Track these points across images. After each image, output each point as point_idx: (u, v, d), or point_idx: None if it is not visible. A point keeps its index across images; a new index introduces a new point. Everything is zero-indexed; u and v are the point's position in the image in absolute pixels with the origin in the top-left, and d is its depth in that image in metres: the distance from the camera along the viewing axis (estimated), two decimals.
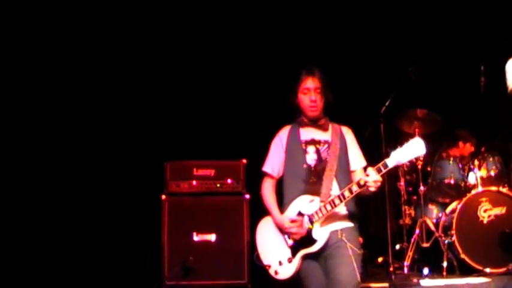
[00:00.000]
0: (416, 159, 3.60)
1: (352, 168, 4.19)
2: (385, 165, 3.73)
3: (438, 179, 6.38)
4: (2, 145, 6.17)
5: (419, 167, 6.32)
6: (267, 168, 4.31)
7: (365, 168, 4.01)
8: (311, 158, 4.10)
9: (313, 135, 4.18)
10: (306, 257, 3.96)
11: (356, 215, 4.09)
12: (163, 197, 5.78)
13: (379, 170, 3.75)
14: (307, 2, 6.85)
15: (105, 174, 6.38)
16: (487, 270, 5.49)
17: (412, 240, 6.09)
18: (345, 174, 4.11)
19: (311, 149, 4.13)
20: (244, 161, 5.94)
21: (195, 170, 5.88)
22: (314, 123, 4.19)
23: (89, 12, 6.46)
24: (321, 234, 3.89)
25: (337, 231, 3.94)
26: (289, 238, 4.00)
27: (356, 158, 4.22)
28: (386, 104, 6.01)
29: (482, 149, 6.35)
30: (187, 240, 5.72)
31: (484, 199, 5.81)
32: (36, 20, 6.28)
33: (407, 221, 6.46)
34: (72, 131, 6.40)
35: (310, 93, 4.09)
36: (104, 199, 6.33)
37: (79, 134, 6.41)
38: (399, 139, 6.39)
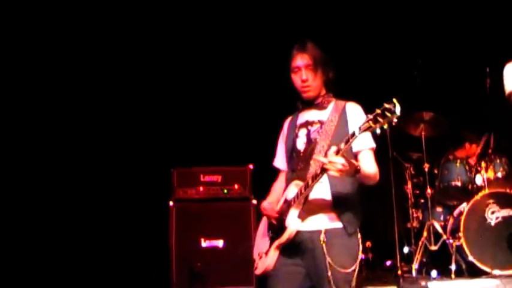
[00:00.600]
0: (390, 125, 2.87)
1: (354, 149, 3.43)
2: (347, 140, 3.06)
3: (445, 182, 6.37)
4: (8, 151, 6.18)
5: (426, 169, 6.31)
6: (277, 163, 3.87)
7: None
8: (301, 141, 3.58)
9: (308, 116, 3.65)
10: (283, 253, 3.41)
11: (348, 211, 3.38)
12: (171, 203, 5.80)
13: (337, 151, 3.08)
14: (314, 7, 6.85)
15: (113, 182, 6.41)
16: (496, 272, 5.46)
17: (420, 243, 6.07)
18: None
19: (302, 132, 3.61)
20: (251, 166, 5.97)
21: (201, 176, 5.90)
22: (312, 103, 3.64)
23: (100, 19, 6.50)
24: (292, 222, 3.31)
25: (319, 231, 3.31)
26: (270, 228, 3.57)
27: (361, 138, 3.28)
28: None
29: (489, 150, 6.34)
30: (195, 246, 5.73)
31: (491, 201, 5.79)
32: (44, 22, 6.30)
33: (415, 224, 6.45)
34: (80, 138, 6.43)
35: (300, 71, 3.57)
36: (112, 206, 6.36)
37: (87, 141, 6.44)
38: (406, 142, 6.46)
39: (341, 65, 6.67)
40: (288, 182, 3.58)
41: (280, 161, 3.82)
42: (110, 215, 6.36)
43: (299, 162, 3.52)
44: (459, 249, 5.74)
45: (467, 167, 6.35)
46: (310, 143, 3.51)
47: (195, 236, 5.76)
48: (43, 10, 6.08)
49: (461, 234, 5.71)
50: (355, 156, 3.42)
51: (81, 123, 6.45)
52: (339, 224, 3.34)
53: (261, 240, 3.66)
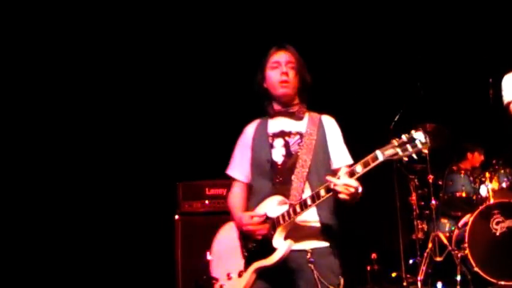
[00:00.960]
0: (419, 155, 2.79)
1: (334, 166, 3.36)
2: (366, 163, 2.92)
3: (450, 193, 6.40)
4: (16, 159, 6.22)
5: (431, 181, 6.32)
6: (233, 171, 3.57)
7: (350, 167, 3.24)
8: (278, 153, 3.34)
9: (282, 126, 3.43)
10: (261, 275, 3.19)
11: (333, 230, 3.29)
12: (176, 217, 5.81)
13: (352, 174, 2.95)
14: (314, 17, 6.88)
15: (120, 195, 6.41)
16: (501, 282, 5.48)
17: (425, 254, 6.07)
18: (322, 172, 3.26)
19: (278, 143, 3.37)
20: None
21: (207, 189, 5.90)
22: (285, 110, 3.45)
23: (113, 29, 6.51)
24: (282, 244, 3.10)
25: (305, 251, 3.14)
26: (246, 246, 3.26)
27: (338, 153, 3.40)
28: (396, 119, 6.05)
29: (493, 161, 6.35)
30: (200, 260, 5.73)
31: (496, 211, 5.81)
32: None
33: (420, 235, 6.45)
34: (87, 151, 6.44)
35: (280, 66, 3.40)
36: (118, 220, 6.36)
37: (94, 155, 6.45)
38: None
39: (344, 76, 6.81)
40: (258, 191, 3.36)
41: (238, 170, 3.54)
42: (116, 228, 6.37)
43: (277, 175, 3.30)
44: (464, 260, 5.75)
45: (471, 178, 6.38)
46: (290, 155, 3.32)
47: (200, 249, 5.72)
48: (43, 10, 6.08)
49: (466, 245, 5.73)
50: (335, 172, 3.22)
51: (88, 136, 6.46)
52: (325, 244, 3.23)
53: (227, 258, 3.38)
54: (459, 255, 5.80)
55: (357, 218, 6.80)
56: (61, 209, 6.27)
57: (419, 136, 2.86)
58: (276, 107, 3.48)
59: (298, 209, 3.08)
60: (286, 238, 3.13)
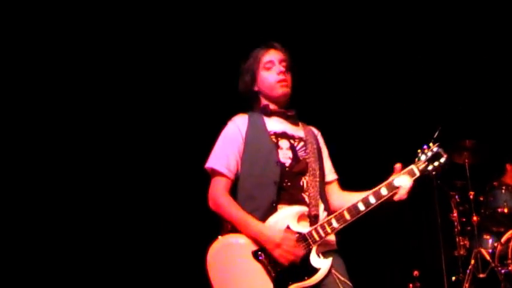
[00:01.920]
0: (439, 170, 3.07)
1: (326, 179, 3.30)
2: (424, 170, 3.06)
3: (491, 208, 6.36)
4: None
5: (471, 197, 6.31)
6: (218, 165, 3.11)
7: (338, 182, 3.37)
8: (285, 155, 3.10)
9: (284, 127, 3.23)
10: None
11: (340, 243, 3.17)
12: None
13: (412, 173, 3.04)
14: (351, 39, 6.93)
15: (164, 220, 6.48)
16: None
17: (468, 271, 6.05)
18: (324, 185, 3.22)
19: (284, 144, 3.14)
20: None
21: None
22: (283, 111, 3.28)
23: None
24: (322, 263, 2.90)
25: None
26: (272, 266, 2.86)
27: (330, 168, 3.38)
28: (435, 136, 6.07)
29: None
30: None
31: None
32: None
33: (462, 252, 6.41)
34: (128, 177, 6.51)
35: (275, 66, 3.26)
36: (163, 243, 6.44)
37: (135, 181, 6.51)
38: (450, 170, 6.47)
39: (384, 98, 6.83)
40: (258, 194, 3.02)
41: (230, 164, 3.12)
42: (161, 251, 6.44)
43: (285, 178, 3.03)
44: (508, 276, 5.71)
45: None
46: (297, 160, 3.11)
47: None
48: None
49: (510, 261, 5.69)
50: (328, 184, 3.30)
51: (124, 158, 6.51)
52: (338, 256, 3.09)
53: (244, 281, 2.86)
54: (502, 271, 5.77)
55: (398, 235, 6.87)
56: (98, 229, 6.33)
57: (440, 151, 3.12)
58: (272, 106, 3.29)
59: (336, 224, 2.93)
60: (317, 253, 2.93)
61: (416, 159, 3.10)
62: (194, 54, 6.46)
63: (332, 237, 3.08)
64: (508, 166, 6.86)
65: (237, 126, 3.21)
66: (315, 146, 3.22)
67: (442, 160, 3.09)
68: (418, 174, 3.05)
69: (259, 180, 3.05)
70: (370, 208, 2.98)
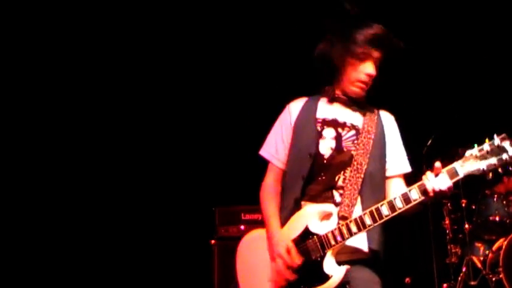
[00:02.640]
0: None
1: (389, 173, 2.90)
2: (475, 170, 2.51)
3: (483, 217, 6.38)
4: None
5: (464, 205, 6.33)
6: (265, 151, 3.00)
7: (405, 177, 2.93)
8: (327, 145, 2.80)
9: (336, 113, 2.90)
10: None
11: (380, 260, 2.86)
12: (213, 241, 5.90)
13: (452, 174, 2.53)
14: None
15: (157, 220, 6.50)
16: None
17: (459, 278, 6.06)
18: (375, 182, 2.81)
19: (329, 133, 2.82)
20: None
21: (242, 214, 5.98)
22: (347, 99, 2.93)
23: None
24: (337, 270, 2.61)
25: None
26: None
27: (397, 159, 2.91)
28: (428, 144, 6.09)
29: None
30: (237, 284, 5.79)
31: None
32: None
33: (454, 259, 6.42)
34: (125, 177, 6.51)
35: (369, 62, 2.84)
36: (155, 244, 6.45)
37: (130, 180, 6.52)
38: None
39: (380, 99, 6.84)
40: (289, 190, 2.84)
41: (276, 153, 2.97)
42: (153, 253, 6.46)
43: (320, 171, 2.79)
44: (499, 284, 5.73)
45: (504, 202, 6.36)
46: (340, 151, 2.80)
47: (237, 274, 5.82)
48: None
49: (500, 269, 5.71)
50: (389, 179, 2.90)
51: (126, 161, 6.54)
52: (372, 275, 2.82)
53: (258, 280, 2.81)
54: (493, 279, 5.78)
55: (390, 242, 6.88)
56: (100, 232, 6.34)
57: (506, 145, 2.49)
58: (338, 92, 2.94)
59: (354, 228, 2.61)
60: (337, 257, 2.67)
61: (465, 155, 2.56)
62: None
63: (363, 245, 2.76)
64: (505, 178, 6.87)
65: (290, 113, 2.98)
66: (371, 137, 2.81)
67: (505, 156, 2.48)
68: (461, 175, 2.55)
69: (292, 173, 2.85)
70: (396, 213, 2.60)
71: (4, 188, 5.92)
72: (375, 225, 2.61)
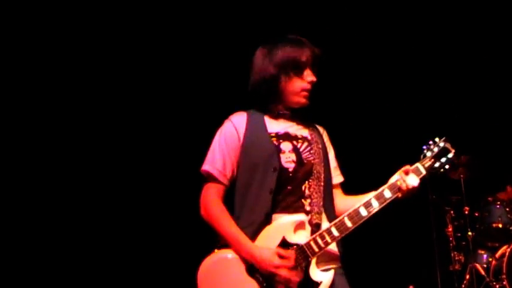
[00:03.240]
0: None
1: (337, 181, 3.06)
2: (431, 168, 2.84)
3: (486, 224, 6.39)
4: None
5: (467, 212, 6.34)
6: (212, 168, 2.85)
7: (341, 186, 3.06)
8: (288, 158, 2.80)
9: (286, 127, 2.93)
10: None
11: (343, 257, 2.91)
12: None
13: (417, 172, 2.80)
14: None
15: (166, 226, 6.50)
16: None
17: (463, 286, 6.08)
18: (330, 189, 2.94)
19: (286, 146, 2.83)
20: None
21: None
22: (288, 113, 2.96)
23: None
24: (324, 276, 2.66)
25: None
26: (269, 283, 2.63)
27: (337, 169, 3.08)
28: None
29: None
30: None
31: None
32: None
33: (457, 267, 6.43)
34: (128, 182, 6.51)
35: (306, 71, 2.91)
36: (161, 250, 6.45)
37: (136, 186, 6.52)
38: (445, 185, 6.51)
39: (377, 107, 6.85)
40: (253, 204, 2.76)
41: (226, 168, 2.86)
42: (159, 258, 6.46)
43: (286, 184, 2.77)
44: None
45: (507, 209, 6.37)
46: (302, 163, 2.82)
47: None
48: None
49: (504, 276, 5.71)
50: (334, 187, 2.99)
51: (129, 164, 6.50)
52: (340, 270, 2.85)
53: None
54: (497, 286, 5.79)
55: (393, 249, 6.88)
56: (104, 233, 6.32)
57: (448, 146, 2.88)
58: (282, 109, 2.95)
59: (336, 233, 2.67)
60: (318, 265, 2.70)
61: (422, 157, 2.86)
62: (191, 51, 6.41)
63: (334, 249, 2.81)
64: (508, 187, 6.88)
65: (234, 126, 2.90)
66: (320, 146, 2.91)
67: (450, 155, 2.86)
68: (424, 172, 2.82)
69: (255, 189, 2.77)
70: (373, 213, 2.72)
71: (4, 188, 5.93)
72: (355, 227, 2.70)
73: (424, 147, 2.88)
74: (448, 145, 2.88)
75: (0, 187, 5.83)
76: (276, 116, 2.93)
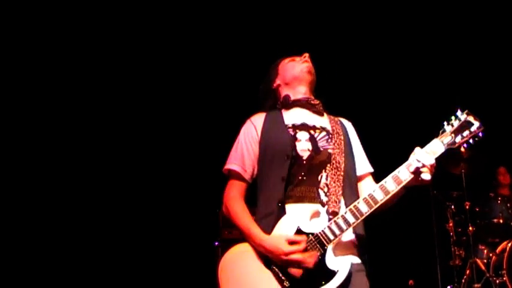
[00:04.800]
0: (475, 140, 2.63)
1: (359, 172, 2.97)
2: (452, 143, 2.68)
3: (487, 219, 6.40)
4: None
5: (467, 207, 6.34)
6: (233, 165, 2.93)
7: (372, 176, 2.97)
8: (302, 147, 2.80)
9: (303, 118, 2.96)
10: None
11: (365, 242, 2.83)
12: (216, 243, 5.92)
13: (434, 153, 2.66)
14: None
15: (162, 222, 6.53)
16: None
17: (463, 281, 6.08)
18: (352, 179, 2.87)
19: (303, 136, 2.85)
20: None
21: None
22: (306, 100, 3.03)
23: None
24: (341, 264, 2.61)
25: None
26: (285, 274, 2.61)
27: (363, 159, 3.02)
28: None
29: None
30: None
31: None
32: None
33: (458, 262, 6.43)
34: (131, 179, 6.53)
35: (299, 56, 3.11)
36: (160, 246, 6.48)
37: (136, 183, 6.55)
38: (446, 181, 6.51)
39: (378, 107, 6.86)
40: (268, 195, 2.78)
41: (246, 164, 2.92)
42: (158, 254, 6.49)
43: (300, 171, 2.76)
44: (502, 286, 5.74)
45: (508, 204, 6.38)
46: (318, 151, 2.81)
47: None
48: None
49: (504, 271, 5.72)
50: (359, 180, 2.95)
51: (132, 164, 6.57)
52: (359, 260, 2.79)
53: None
54: (497, 281, 5.80)
55: (394, 244, 6.89)
56: (104, 233, 6.36)
57: (471, 119, 2.71)
58: (293, 96, 3.05)
59: (351, 218, 2.63)
60: (336, 252, 2.65)
61: (441, 132, 2.71)
62: (215, 57, 6.56)
63: (352, 237, 2.76)
64: (501, 169, 6.87)
65: (253, 124, 2.98)
66: (342, 138, 2.88)
67: (473, 128, 2.68)
68: (443, 148, 2.67)
69: (271, 178, 2.79)
70: (389, 195, 2.64)
71: (4, 188, 5.94)
72: (371, 211, 2.63)
73: (444, 122, 2.72)
74: (471, 117, 2.70)
75: (0, 187, 5.87)
76: (290, 106, 3.01)
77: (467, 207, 6.33)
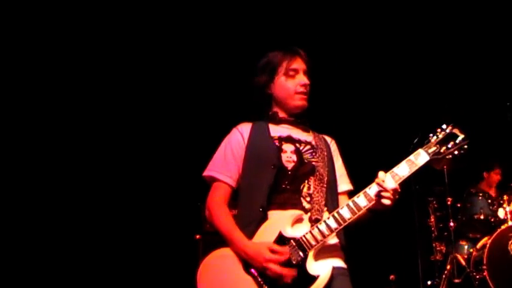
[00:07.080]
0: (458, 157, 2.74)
1: (339, 189, 3.01)
2: (436, 153, 2.77)
3: (468, 215, 6.43)
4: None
5: (449, 203, 6.36)
6: (217, 173, 2.92)
7: (349, 195, 2.95)
8: (288, 157, 2.85)
9: (290, 132, 2.99)
10: None
11: (347, 248, 2.87)
12: (198, 236, 5.90)
13: (395, 177, 2.70)
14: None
15: (143, 215, 6.51)
16: None
17: (444, 276, 6.11)
18: (334, 192, 2.93)
19: (288, 147, 2.89)
20: None
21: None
22: (292, 119, 3.04)
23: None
24: (322, 269, 2.62)
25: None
26: (265, 279, 2.61)
27: (344, 178, 3.06)
28: (414, 141, 6.11)
29: (511, 183, 6.40)
30: None
31: None
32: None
33: (439, 257, 6.48)
34: (111, 171, 6.52)
35: (299, 75, 3.00)
36: (140, 239, 6.46)
37: (117, 176, 6.53)
38: (428, 176, 6.53)
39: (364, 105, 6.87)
40: (251, 202, 2.78)
41: (225, 172, 2.91)
42: (138, 247, 6.46)
43: (283, 179, 2.78)
44: (483, 282, 5.77)
45: (489, 200, 6.41)
46: (302, 163, 2.85)
47: None
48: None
49: (484, 267, 5.75)
50: (340, 195, 2.98)
51: (113, 157, 6.54)
52: (343, 264, 2.82)
53: None
54: (477, 277, 5.83)
55: (375, 239, 6.91)
56: (85, 227, 6.34)
57: (456, 132, 2.81)
58: (281, 114, 3.06)
59: (334, 224, 2.65)
60: (315, 259, 2.66)
61: (426, 142, 2.78)
62: (201, 59, 6.54)
63: (334, 242, 2.80)
64: (485, 174, 6.93)
65: (239, 132, 3.00)
66: (325, 153, 2.94)
67: (458, 140, 2.78)
68: (427, 157, 2.74)
69: (255, 186, 2.80)
70: (372, 202, 2.68)
71: (4, 188, 5.90)
72: (354, 217, 2.66)
73: (430, 134, 2.82)
74: (456, 130, 2.81)
75: (0, 187, 5.84)
76: (277, 122, 3.03)
77: (449, 202, 6.36)
